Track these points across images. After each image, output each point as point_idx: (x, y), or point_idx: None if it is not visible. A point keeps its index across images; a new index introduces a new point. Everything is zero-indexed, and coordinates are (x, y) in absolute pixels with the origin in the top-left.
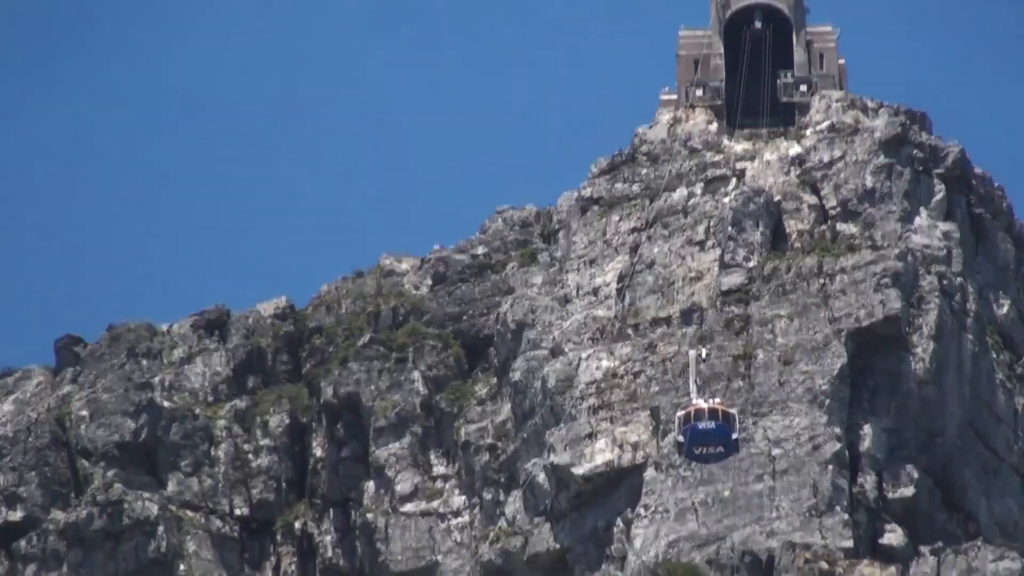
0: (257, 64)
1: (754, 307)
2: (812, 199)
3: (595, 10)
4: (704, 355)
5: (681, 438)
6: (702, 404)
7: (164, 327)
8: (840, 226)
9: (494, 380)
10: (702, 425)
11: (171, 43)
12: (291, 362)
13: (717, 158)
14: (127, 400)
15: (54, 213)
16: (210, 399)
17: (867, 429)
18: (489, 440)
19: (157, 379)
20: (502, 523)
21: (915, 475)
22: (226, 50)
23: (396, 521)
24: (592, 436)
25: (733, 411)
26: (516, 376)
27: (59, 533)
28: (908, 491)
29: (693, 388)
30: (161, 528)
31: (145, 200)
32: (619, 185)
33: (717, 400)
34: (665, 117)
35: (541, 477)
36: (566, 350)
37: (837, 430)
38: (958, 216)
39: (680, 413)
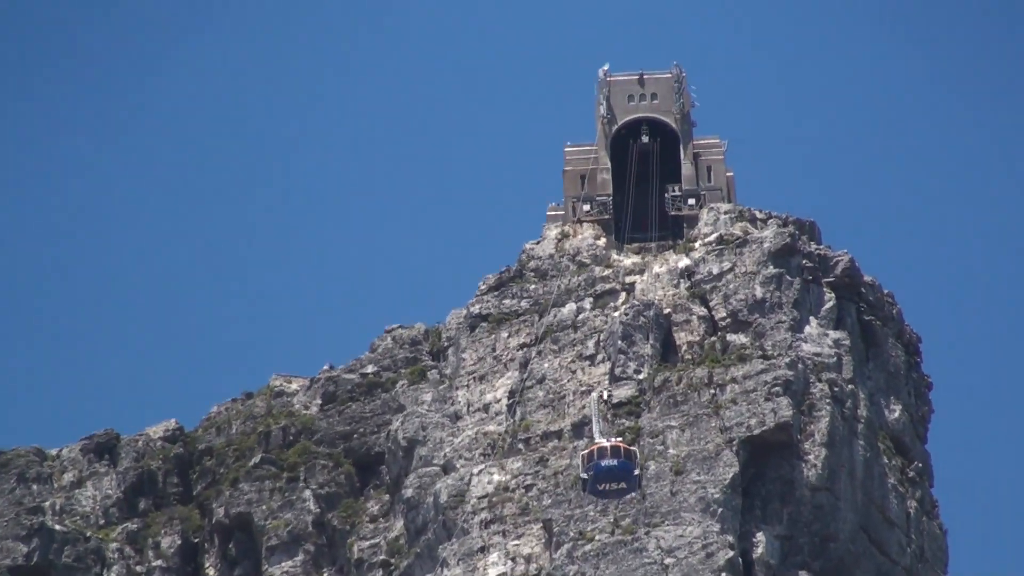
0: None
1: (645, 419)
2: (702, 311)
3: (480, 127)
4: (606, 396)
5: (586, 475)
6: (604, 442)
7: (54, 452)
8: (730, 336)
9: (386, 497)
10: (606, 462)
11: None
12: (182, 483)
13: (606, 272)
14: (18, 524)
15: None
16: (101, 522)
17: (760, 536)
18: (382, 556)
19: (48, 503)
20: None
21: None
22: None
23: None
24: (485, 550)
25: (635, 448)
26: (408, 492)
27: None
28: None
29: (596, 427)
30: None
31: (30, 324)
32: (507, 301)
33: (618, 438)
34: (553, 232)
35: None
36: (457, 466)
37: (730, 538)
38: (848, 323)
39: (583, 452)
